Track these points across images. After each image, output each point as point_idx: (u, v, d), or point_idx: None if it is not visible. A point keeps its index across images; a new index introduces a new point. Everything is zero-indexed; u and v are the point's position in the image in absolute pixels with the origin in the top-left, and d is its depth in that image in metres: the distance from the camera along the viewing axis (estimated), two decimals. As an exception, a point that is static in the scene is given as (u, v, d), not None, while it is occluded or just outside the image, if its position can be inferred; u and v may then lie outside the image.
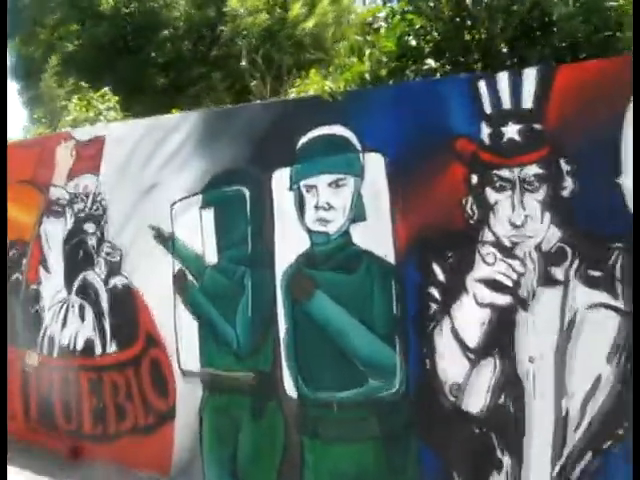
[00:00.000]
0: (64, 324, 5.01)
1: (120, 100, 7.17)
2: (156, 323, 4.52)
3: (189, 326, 4.36)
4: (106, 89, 7.18)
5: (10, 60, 11.31)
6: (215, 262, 4.24)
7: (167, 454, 4.48)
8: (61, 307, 5.04)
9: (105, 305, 4.76)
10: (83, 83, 7.18)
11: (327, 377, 3.85)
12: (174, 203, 4.42)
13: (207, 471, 4.31)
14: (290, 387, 3.94)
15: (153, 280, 4.53)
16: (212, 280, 4.26)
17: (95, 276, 4.82)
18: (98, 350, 4.81)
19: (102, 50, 10.59)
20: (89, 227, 4.86)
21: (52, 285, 5.11)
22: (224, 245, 4.21)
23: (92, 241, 4.84)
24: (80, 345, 4.91)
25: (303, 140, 3.90)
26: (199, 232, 4.29)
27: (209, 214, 4.25)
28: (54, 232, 5.09)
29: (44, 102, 7.40)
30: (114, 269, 4.72)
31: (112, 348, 4.75)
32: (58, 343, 5.06)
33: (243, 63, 8.20)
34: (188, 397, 4.40)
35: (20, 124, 13.44)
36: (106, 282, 4.75)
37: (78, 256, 4.94)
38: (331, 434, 3.85)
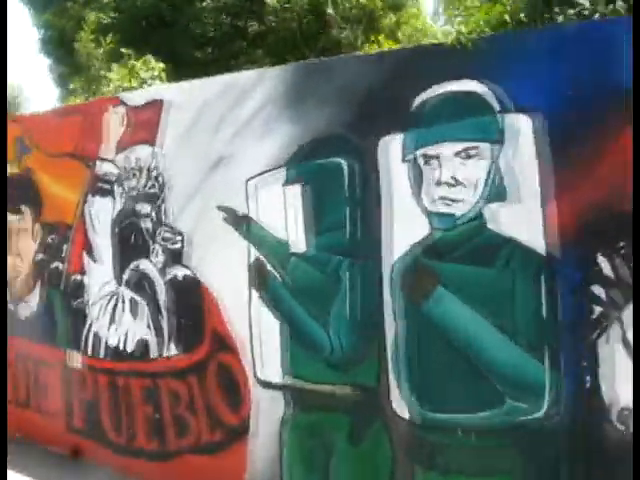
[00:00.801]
0: (113, 321, 4.28)
1: (165, 69, 6.43)
2: (226, 323, 3.77)
3: (268, 327, 3.61)
4: (149, 56, 6.43)
5: (41, 33, 10.63)
6: (303, 250, 3.48)
7: (237, 477, 3.75)
8: (109, 301, 4.30)
9: (163, 300, 4.02)
10: (123, 50, 6.46)
11: (450, 395, 3.09)
12: (251, 178, 3.66)
13: (288, 501, 3.59)
14: (400, 406, 3.19)
15: (223, 271, 3.78)
16: (299, 272, 3.51)
17: (151, 266, 4.07)
18: (154, 353, 4.08)
19: (137, 22, 9.84)
20: (143, 208, 4.11)
21: (99, 276, 4.38)
22: (315, 230, 3.45)
23: (147, 224, 4.10)
24: (132, 346, 4.18)
25: (421, 99, 3.12)
26: (283, 214, 3.53)
27: (296, 192, 3.49)
28: (102, 214, 4.35)
29: (80, 68, 6.72)
30: (174, 258, 3.97)
31: (171, 351, 4.01)
32: (105, 343, 4.34)
33: (330, 11, 7.37)
34: (266, 412, 3.65)
35: (52, 103, 12.68)
36: (164, 273, 4.01)
37: (130, 242, 4.20)
38: (454, 465, 3.10)
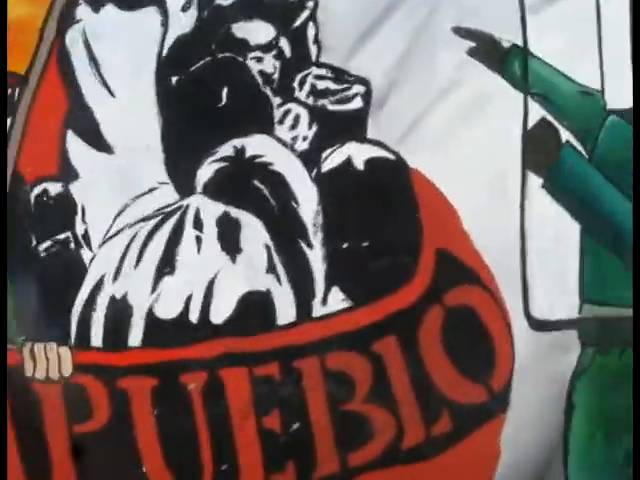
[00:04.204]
0: (167, 266, 2.10)
1: None
2: (468, 236, 2.18)
3: (560, 233, 2.19)
4: None
5: None
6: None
7: (485, 469, 2.30)
8: (156, 228, 2.09)
9: (311, 210, 2.10)
10: None
11: None
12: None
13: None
14: None
15: (466, 149, 2.14)
16: (625, 143, 2.17)
17: (278, 146, 2.08)
18: (286, 314, 2.12)
19: None
20: (255, 31, 2.03)
21: (112, 178, 2.07)
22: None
23: (266, 64, 2.05)
24: (226, 312, 2.11)
25: None
26: (595, 43, 2.11)
27: None
28: (123, 48, 2.01)
29: None
30: (343, 127, 2.09)
31: (332, 304, 2.15)
32: (148, 317, 2.10)
33: None
34: (540, 367, 2.26)
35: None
36: (314, 157, 2.08)
37: (215, 101, 2.06)
38: None
